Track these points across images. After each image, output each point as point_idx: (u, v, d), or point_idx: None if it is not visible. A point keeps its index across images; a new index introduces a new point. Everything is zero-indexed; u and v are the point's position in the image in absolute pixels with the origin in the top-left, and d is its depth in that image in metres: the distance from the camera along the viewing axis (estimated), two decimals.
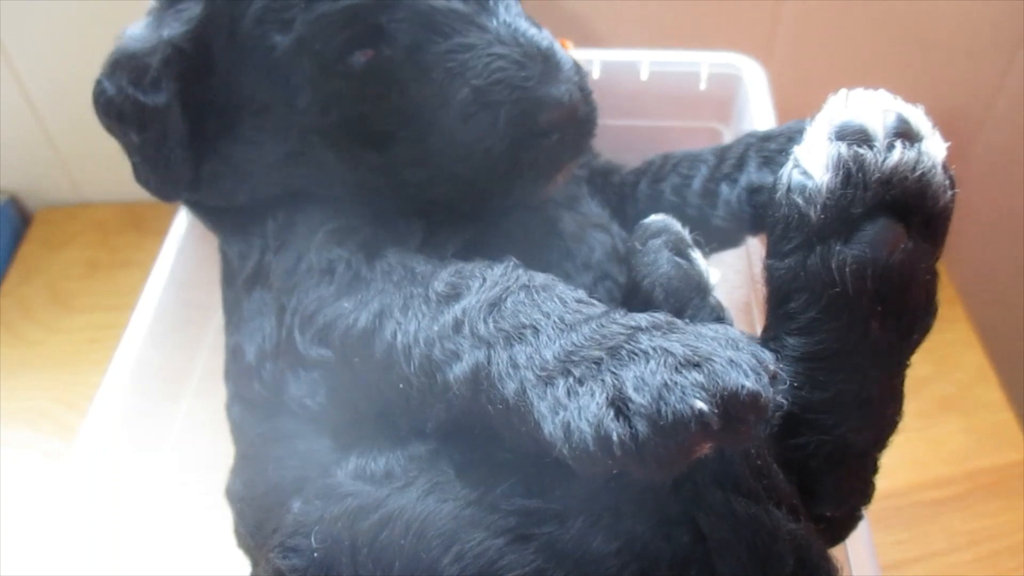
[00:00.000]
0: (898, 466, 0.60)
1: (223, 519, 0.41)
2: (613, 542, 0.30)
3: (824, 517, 0.34)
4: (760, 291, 0.39)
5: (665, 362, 0.25)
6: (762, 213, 0.37)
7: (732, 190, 0.38)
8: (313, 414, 0.36)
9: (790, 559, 0.30)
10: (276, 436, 0.37)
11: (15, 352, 0.68)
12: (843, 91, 0.32)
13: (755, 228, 0.40)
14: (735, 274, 0.50)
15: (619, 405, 0.24)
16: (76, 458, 0.40)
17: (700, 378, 0.24)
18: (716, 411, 0.23)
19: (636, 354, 0.25)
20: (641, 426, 0.24)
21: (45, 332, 0.70)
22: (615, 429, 0.24)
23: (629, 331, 0.27)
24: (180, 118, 0.35)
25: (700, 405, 0.23)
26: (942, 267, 0.67)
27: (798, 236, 0.31)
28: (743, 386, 0.24)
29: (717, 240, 0.42)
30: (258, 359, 0.37)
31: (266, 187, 0.38)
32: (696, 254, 0.35)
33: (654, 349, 0.25)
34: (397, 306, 0.31)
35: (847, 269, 0.30)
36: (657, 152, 0.44)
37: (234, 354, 0.38)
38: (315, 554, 0.30)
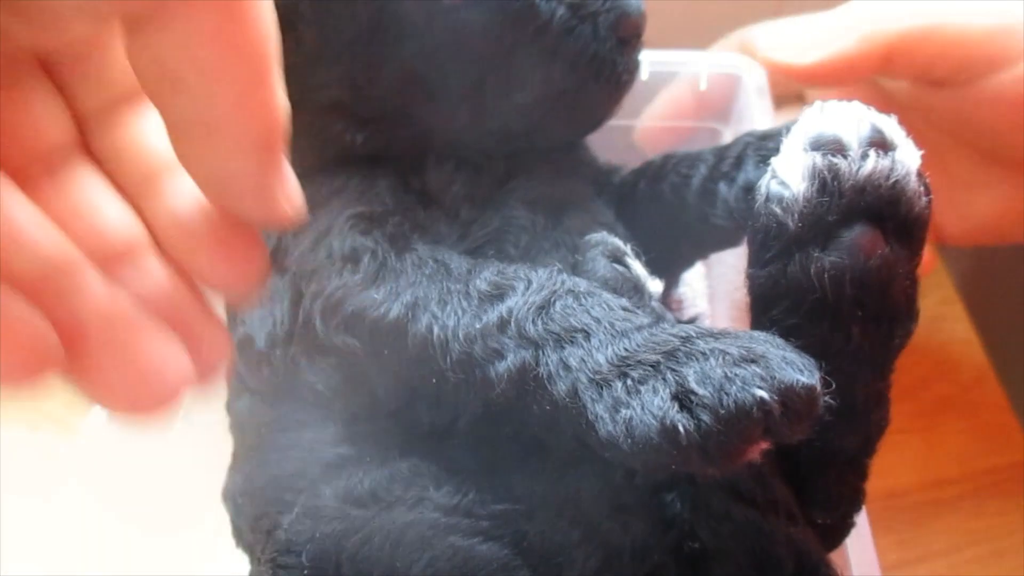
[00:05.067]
0: (898, 466, 0.60)
1: (223, 519, 0.41)
2: (574, 533, 0.31)
3: (815, 524, 0.34)
4: None
5: (723, 359, 0.26)
6: None
7: (730, 189, 0.39)
8: (326, 401, 0.36)
9: (789, 563, 0.31)
10: (282, 425, 0.37)
11: None
12: (818, 102, 0.33)
13: None
14: (737, 274, 0.50)
15: (682, 399, 0.25)
16: (76, 458, 0.40)
17: (759, 370, 0.25)
18: (775, 399, 0.24)
19: (693, 355, 0.26)
20: (705, 416, 0.25)
21: None
22: (681, 420, 0.25)
23: (682, 337, 0.27)
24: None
25: (761, 393, 0.24)
26: (942, 267, 0.68)
27: (777, 244, 0.31)
28: (799, 380, 0.25)
29: (717, 239, 0.42)
30: (269, 345, 0.37)
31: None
32: (633, 262, 0.36)
33: (711, 350, 0.26)
34: (433, 300, 0.31)
35: (826, 275, 0.30)
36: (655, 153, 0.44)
37: (241, 346, 0.38)
38: (305, 572, 0.31)
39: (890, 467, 0.60)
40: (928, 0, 0.46)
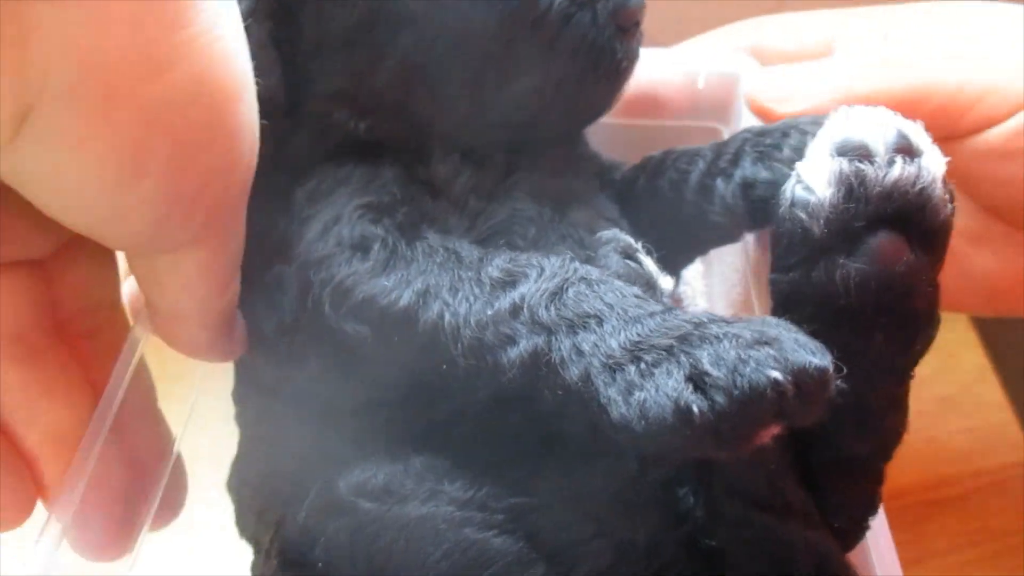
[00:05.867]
0: (898, 466, 0.60)
1: (227, 515, 0.41)
2: (588, 527, 0.31)
3: (831, 528, 0.34)
4: (762, 289, 0.39)
5: (737, 342, 0.26)
6: (757, 207, 0.38)
7: (727, 185, 0.39)
8: (335, 391, 0.35)
9: (809, 568, 0.31)
10: (290, 416, 0.37)
11: None
12: (844, 107, 0.33)
13: (750, 223, 0.40)
14: (735, 273, 0.50)
15: (696, 380, 0.25)
16: (79, 457, 0.39)
17: (772, 352, 0.25)
18: (789, 380, 0.24)
19: (707, 338, 0.26)
20: (719, 397, 0.25)
21: None
22: (695, 402, 0.25)
23: (695, 323, 0.27)
24: (275, 62, 0.35)
25: (775, 374, 0.24)
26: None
27: (802, 250, 0.31)
28: (811, 361, 0.25)
29: (715, 236, 0.42)
30: (276, 334, 0.36)
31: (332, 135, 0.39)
32: (644, 258, 0.36)
33: (724, 334, 0.26)
34: (444, 287, 0.31)
35: (851, 281, 0.30)
36: (655, 151, 0.44)
37: (248, 336, 0.38)
38: (319, 565, 0.32)
39: (890, 467, 0.59)
40: (918, 57, 0.47)
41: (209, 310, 0.33)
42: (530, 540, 0.30)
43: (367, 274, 0.33)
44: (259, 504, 0.37)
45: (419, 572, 0.30)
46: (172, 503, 0.39)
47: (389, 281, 0.32)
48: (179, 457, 0.40)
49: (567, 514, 0.31)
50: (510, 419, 0.34)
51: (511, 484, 0.32)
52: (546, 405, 0.30)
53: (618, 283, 0.30)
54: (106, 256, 0.36)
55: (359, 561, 0.31)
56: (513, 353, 0.29)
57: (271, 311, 0.36)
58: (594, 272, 0.31)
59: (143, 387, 0.38)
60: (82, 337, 0.36)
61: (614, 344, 0.27)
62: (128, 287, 0.39)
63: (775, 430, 0.25)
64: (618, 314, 0.28)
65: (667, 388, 0.26)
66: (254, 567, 0.37)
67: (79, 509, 0.33)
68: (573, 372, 0.28)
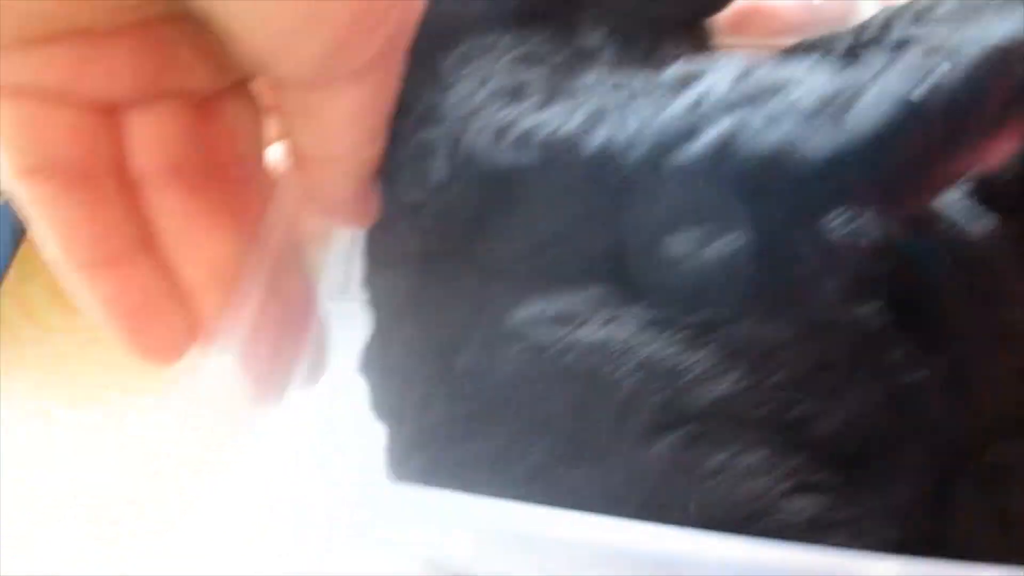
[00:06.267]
0: None
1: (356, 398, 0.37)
2: (788, 330, 0.28)
3: None
4: None
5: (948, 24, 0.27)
6: None
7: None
8: (491, 242, 0.33)
9: None
10: (436, 279, 0.35)
11: (15, 352, 0.66)
12: None
13: None
14: None
15: (918, 70, 0.25)
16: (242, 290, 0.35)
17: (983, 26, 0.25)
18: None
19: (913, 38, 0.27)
20: (945, 69, 0.24)
21: (45, 332, 0.68)
22: (924, 81, 0.24)
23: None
24: None
25: (1000, 35, 0.24)
26: None
27: None
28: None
29: None
30: (431, 195, 0.34)
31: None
32: None
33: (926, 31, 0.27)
34: (612, 105, 0.30)
35: None
36: None
37: (392, 207, 0.36)
38: (494, 396, 0.30)
39: None
40: None
41: (357, 157, 0.32)
42: (723, 349, 0.28)
43: (527, 110, 0.31)
44: (402, 380, 0.35)
45: (603, 393, 0.28)
46: (318, 361, 0.37)
47: (551, 112, 0.31)
48: (323, 318, 0.38)
49: (762, 323, 0.29)
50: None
51: (696, 304, 0.29)
52: (724, 200, 0.28)
53: (803, 64, 0.29)
54: (258, 110, 0.35)
55: (539, 386, 0.29)
56: (696, 146, 0.27)
57: (419, 177, 0.34)
58: (772, 61, 0.30)
59: (294, 238, 0.37)
60: (233, 183, 0.35)
61: (809, 98, 0.26)
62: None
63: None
64: (804, 84, 0.27)
65: (884, 90, 0.24)
66: (393, 443, 0.35)
67: (246, 342, 0.32)
68: (770, 138, 0.26)
